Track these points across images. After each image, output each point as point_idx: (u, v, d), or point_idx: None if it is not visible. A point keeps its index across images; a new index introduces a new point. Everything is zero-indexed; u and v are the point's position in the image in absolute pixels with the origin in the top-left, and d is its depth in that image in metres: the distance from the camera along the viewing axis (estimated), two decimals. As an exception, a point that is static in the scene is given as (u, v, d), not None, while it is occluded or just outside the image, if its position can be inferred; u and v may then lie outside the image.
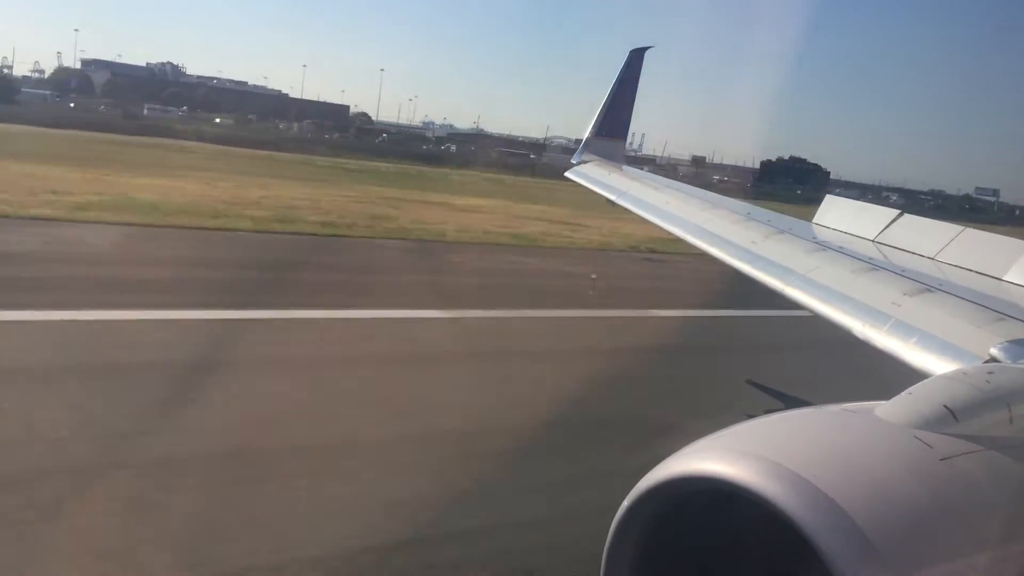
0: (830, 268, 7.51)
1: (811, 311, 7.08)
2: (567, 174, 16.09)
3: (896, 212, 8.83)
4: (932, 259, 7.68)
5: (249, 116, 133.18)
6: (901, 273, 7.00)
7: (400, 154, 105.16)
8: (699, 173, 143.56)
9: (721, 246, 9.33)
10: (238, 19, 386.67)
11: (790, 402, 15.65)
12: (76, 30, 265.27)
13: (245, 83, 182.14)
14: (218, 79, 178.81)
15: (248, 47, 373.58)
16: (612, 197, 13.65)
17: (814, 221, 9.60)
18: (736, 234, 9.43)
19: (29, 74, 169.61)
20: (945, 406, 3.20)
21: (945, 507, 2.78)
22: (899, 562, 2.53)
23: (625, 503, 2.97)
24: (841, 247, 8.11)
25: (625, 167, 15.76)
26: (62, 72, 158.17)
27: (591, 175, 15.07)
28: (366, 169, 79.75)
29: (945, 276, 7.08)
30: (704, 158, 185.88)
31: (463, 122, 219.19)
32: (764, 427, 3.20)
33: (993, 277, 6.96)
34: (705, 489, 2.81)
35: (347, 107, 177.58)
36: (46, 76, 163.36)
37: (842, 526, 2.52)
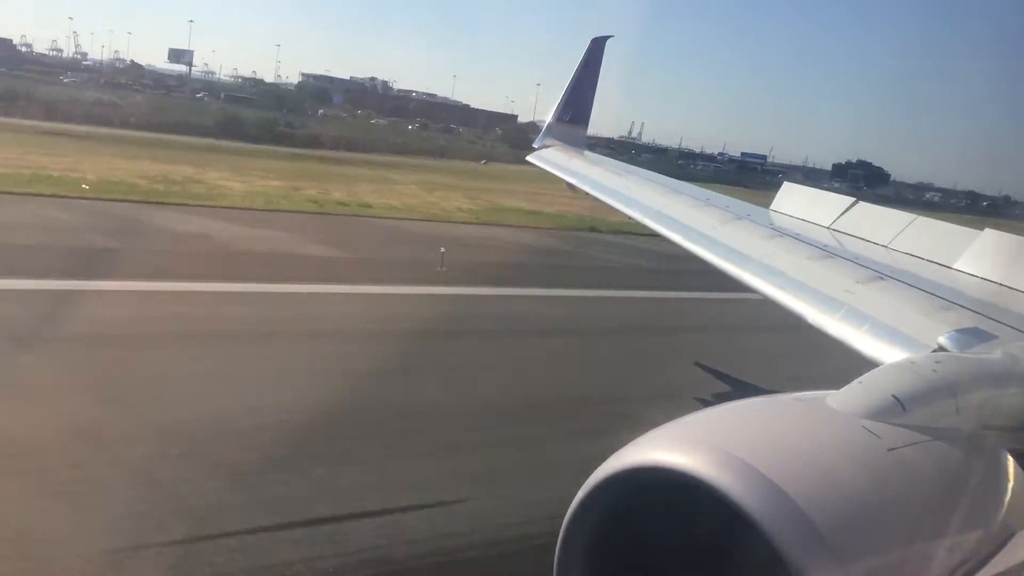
0: (786, 255, 7.60)
1: (766, 297, 7.16)
2: (528, 158, 16.09)
3: (851, 200, 8.95)
4: (885, 247, 7.80)
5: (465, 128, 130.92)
6: (855, 260, 7.10)
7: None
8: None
9: (679, 231, 9.39)
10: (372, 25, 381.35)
11: (743, 389, 15.89)
12: (278, 45, 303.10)
13: (435, 95, 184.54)
14: (416, 92, 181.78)
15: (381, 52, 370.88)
16: (573, 181, 13.69)
17: (771, 208, 9.70)
18: (695, 219, 9.50)
19: (229, 78, 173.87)
20: (893, 396, 3.25)
21: (891, 497, 2.83)
22: (846, 550, 2.57)
23: (578, 495, 2.96)
24: (797, 234, 8.21)
25: (586, 152, 15.81)
26: (306, 85, 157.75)
27: (552, 159, 15.09)
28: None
29: (897, 264, 7.19)
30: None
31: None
32: (716, 417, 3.23)
33: (944, 265, 7.08)
34: (658, 479, 2.82)
35: (515, 116, 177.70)
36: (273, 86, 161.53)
37: (791, 515, 2.56)
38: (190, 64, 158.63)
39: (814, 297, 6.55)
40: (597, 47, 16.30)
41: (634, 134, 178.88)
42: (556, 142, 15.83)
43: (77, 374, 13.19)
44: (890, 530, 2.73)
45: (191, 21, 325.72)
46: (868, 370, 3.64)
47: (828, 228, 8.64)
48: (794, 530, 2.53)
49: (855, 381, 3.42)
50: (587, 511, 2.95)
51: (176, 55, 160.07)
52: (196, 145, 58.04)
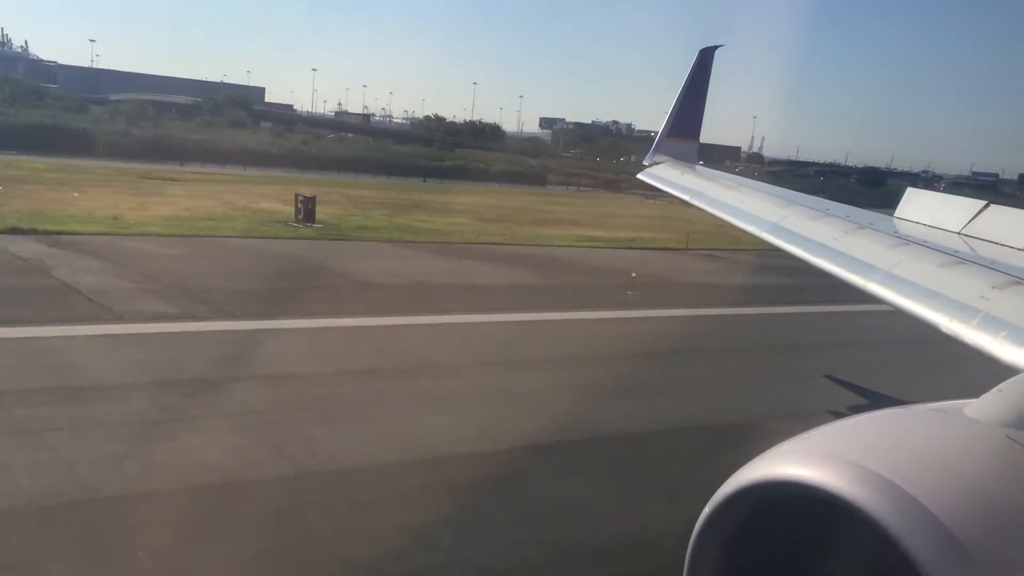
0: (914, 263, 7.34)
1: (896, 307, 6.95)
2: (640, 176, 16.03)
3: (982, 203, 8.56)
4: (1022, 251, 7.43)
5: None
6: (989, 266, 6.80)
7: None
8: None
9: (798, 243, 9.20)
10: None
11: (877, 400, 15.29)
12: (521, 96, 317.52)
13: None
14: (654, 132, 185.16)
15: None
16: (686, 197, 13.55)
17: (896, 215, 9.38)
18: (814, 231, 9.28)
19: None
20: None
21: None
22: (995, 568, 2.46)
23: (706, 509, 2.94)
24: (925, 241, 7.92)
25: (698, 167, 15.62)
26: (560, 133, 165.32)
27: (664, 176, 14.97)
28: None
29: None
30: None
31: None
32: (850, 429, 3.15)
33: None
34: (790, 494, 2.77)
35: (739, 148, 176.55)
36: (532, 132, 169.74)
37: (934, 531, 2.45)
38: (562, 129, 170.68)
39: (947, 305, 6.31)
40: (705, 58, 16.06)
41: (754, 148, 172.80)
42: (667, 158, 15.71)
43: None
44: None
45: (474, 83, 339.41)
46: (1007, 378, 3.51)
47: (958, 233, 8.29)
48: (937, 546, 2.43)
49: (994, 389, 3.30)
50: (716, 524, 2.93)
51: (547, 122, 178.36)
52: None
